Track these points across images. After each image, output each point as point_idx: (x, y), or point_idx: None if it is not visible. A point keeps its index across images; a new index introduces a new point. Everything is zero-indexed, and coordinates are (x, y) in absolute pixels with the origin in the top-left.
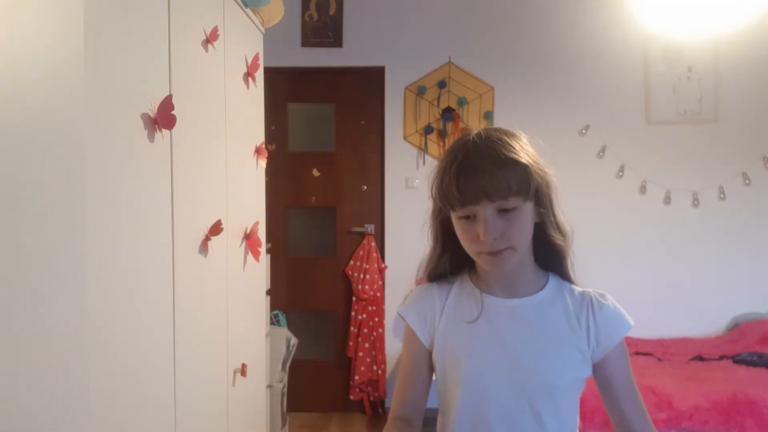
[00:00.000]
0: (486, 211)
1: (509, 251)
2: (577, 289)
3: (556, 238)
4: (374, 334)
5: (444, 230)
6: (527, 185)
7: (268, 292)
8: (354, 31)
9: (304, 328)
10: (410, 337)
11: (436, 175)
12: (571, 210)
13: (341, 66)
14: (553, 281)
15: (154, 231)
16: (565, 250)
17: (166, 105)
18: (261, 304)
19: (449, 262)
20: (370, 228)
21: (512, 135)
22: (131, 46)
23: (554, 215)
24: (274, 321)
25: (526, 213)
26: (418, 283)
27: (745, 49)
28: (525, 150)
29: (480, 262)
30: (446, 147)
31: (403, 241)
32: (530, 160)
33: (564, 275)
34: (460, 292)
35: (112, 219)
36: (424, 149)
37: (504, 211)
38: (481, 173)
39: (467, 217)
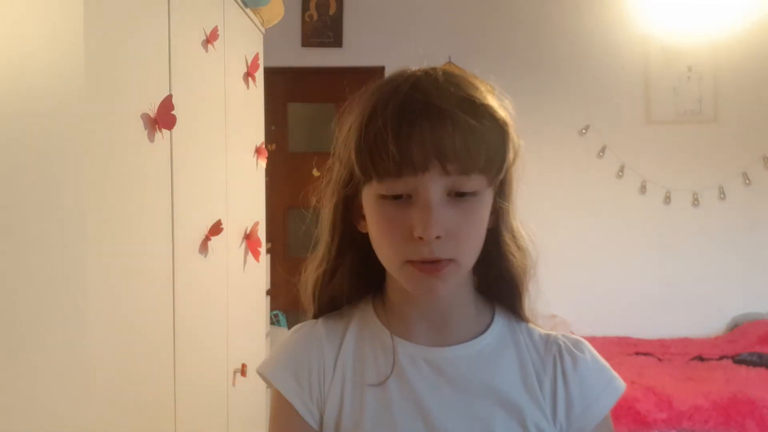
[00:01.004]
0: (434, 187)
1: (452, 266)
2: (539, 331)
3: (513, 254)
4: None
5: (347, 219)
6: (501, 158)
7: (268, 292)
8: (354, 31)
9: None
10: (285, 413)
11: (353, 120)
12: (571, 210)
13: (341, 66)
14: (501, 319)
15: (154, 231)
16: (522, 275)
17: (166, 105)
18: (261, 304)
19: (348, 279)
20: None
21: (480, 80)
22: (131, 46)
23: (513, 216)
24: (274, 321)
25: (485, 205)
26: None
27: (745, 49)
28: (500, 102)
29: (404, 278)
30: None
31: None
32: (509, 119)
33: (518, 311)
34: (360, 335)
35: (112, 219)
36: None
37: (459, 196)
38: (441, 118)
39: (396, 197)
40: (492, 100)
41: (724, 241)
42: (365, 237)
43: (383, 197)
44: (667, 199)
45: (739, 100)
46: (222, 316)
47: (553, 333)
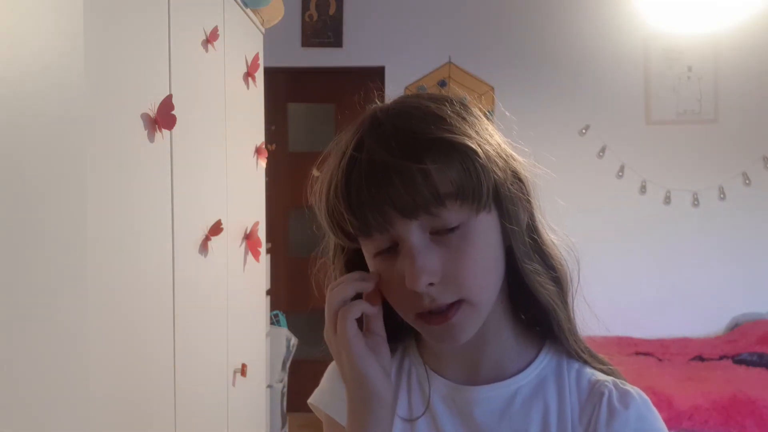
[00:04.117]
0: (410, 233)
1: (464, 307)
2: (590, 375)
3: (539, 284)
4: None
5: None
6: (476, 183)
7: (268, 292)
8: (354, 31)
9: (304, 328)
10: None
11: (318, 186)
12: (570, 210)
13: (341, 66)
14: (549, 357)
15: (154, 231)
16: (554, 300)
17: (166, 105)
18: (261, 304)
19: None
20: None
21: (444, 100)
22: (131, 46)
23: (537, 233)
24: (274, 321)
25: (481, 233)
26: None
27: (745, 49)
28: (468, 122)
29: (422, 332)
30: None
31: None
32: (478, 139)
33: (565, 347)
34: (400, 364)
35: (112, 219)
36: None
37: (443, 234)
38: (384, 173)
39: (384, 252)
40: (449, 125)
41: (724, 241)
42: None
43: (374, 255)
44: (667, 199)
45: (739, 100)
46: (222, 316)
47: (605, 379)
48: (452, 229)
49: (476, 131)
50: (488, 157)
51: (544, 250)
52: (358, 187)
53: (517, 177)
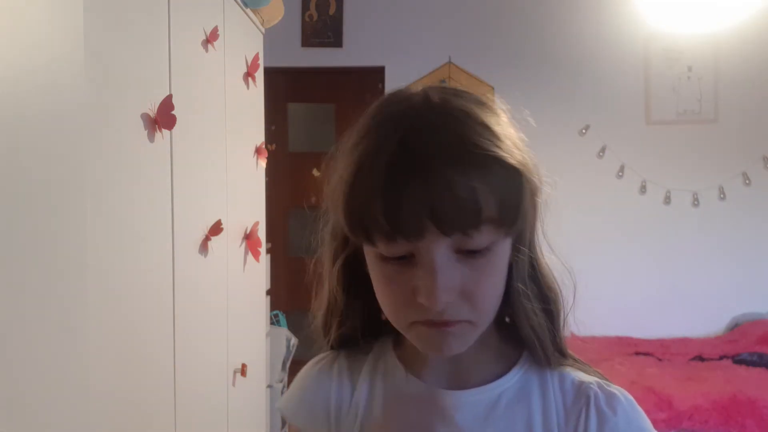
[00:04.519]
0: (436, 249)
1: (466, 326)
2: (573, 377)
3: (526, 302)
4: None
5: (350, 271)
6: (515, 207)
7: (268, 292)
8: (354, 31)
9: (304, 328)
10: None
11: (341, 170)
12: (570, 210)
13: (341, 66)
14: (529, 362)
15: (154, 231)
16: (536, 332)
17: (166, 105)
18: (261, 304)
19: (361, 322)
20: None
21: (487, 106)
22: (131, 46)
23: (535, 255)
24: (274, 321)
25: (503, 257)
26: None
27: (745, 49)
28: (510, 137)
29: (413, 337)
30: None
31: None
32: (521, 158)
33: (542, 359)
34: (374, 369)
35: (113, 219)
36: None
37: (468, 254)
38: (433, 179)
39: (398, 258)
40: (498, 140)
41: (724, 241)
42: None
43: (384, 258)
44: (667, 199)
45: (739, 100)
46: (222, 316)
47: (589, 381)
48: (477, 252)
49: (512, 141)
50: (526, 175)
51: (539, 272)
52: (400, 189)
53: (537, 194)
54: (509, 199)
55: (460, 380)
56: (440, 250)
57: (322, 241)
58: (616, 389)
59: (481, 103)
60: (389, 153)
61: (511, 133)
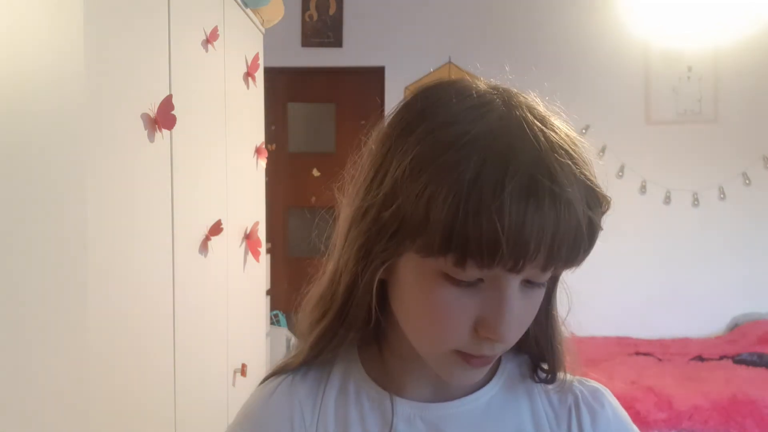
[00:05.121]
0: (514, 281)
1: (498, 353)
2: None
3: (554, 331)
4: None
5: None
6: (595, 242)
7: (268, 292)
8: (354, 31)
9: None
10: None
11: (433, 173)
12: None
13: (341, 66)
14: (509, 364)
15: (154, 231)
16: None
17: (166, 105)
18: (261, 304)
19: (353, 334)
20: None
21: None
22: (131, 46)
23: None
24: (274, 321)
25: (544, 290)
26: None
27: (746, 49)
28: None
29: (440, 364)
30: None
31: None
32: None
33: (532, 353)
34: (342, 390)
35: (113, 219)
36: None
37: (529, 285)
38: (567, 216)
39: (468, 282)
40: (592, 174)
41: (724, 241)
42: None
43: (447, 276)
44: (667, 199)
45: (739, 101)
46: (222, 316)
47: (569, 378)
48: (536, 286)
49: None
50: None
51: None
52: (526, 214)
53: None
54: (597, 234)
55: (446, 392)
56: (516, 282)
57: (336, 241)
58: (594, 383)
59: (567, 135)
60: (521, 177)
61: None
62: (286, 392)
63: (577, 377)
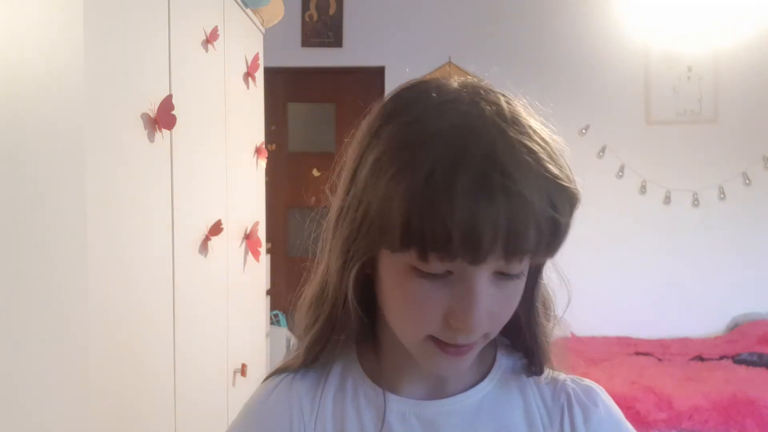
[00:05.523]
0: (481, 273)
1: (480, 341)
2: (545, 373)
3: (541, 322)
4: None
5: (361, 277)
6: (566, 235)
7: (268, 292)
8: (354, 31)
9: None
10: None
11: (394, 170)
12: None
13: (341, 66)
14: (504, 361)
15: (154, 231)
16: (546, 336)
17: (166, 105)
18: (261, 304)
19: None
20: None
21: (528, 116)
22: (131, 46)
23: (544, 288)
24: (274, 321)
25: (524, 280)
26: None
27: (745, 50)
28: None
29: (420, 354)
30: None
31: None
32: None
33: (526, 350)
34: (340, 387)
35: (113, 219)
36: None
37: (501, 276)
38: (522, 210)
39: (433, 274)
40: (557, 159)
41: (724, 241)
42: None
43: (416, 270)
44: (667, 199)
45: (739, 101)
46: (222, 316)
47: (561, 377)
48: (510, 277)
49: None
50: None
51: (545, 297)
52: (480, 207)
53: None
54: (567, 226)
55: (441, 390)
56: (483, 274)
57: (325, 242)
58: (588, 382)
59: (518, 106)
60: (473, 169)
61: (550, 138)
62: (286, 390)
63: (571, 376)
